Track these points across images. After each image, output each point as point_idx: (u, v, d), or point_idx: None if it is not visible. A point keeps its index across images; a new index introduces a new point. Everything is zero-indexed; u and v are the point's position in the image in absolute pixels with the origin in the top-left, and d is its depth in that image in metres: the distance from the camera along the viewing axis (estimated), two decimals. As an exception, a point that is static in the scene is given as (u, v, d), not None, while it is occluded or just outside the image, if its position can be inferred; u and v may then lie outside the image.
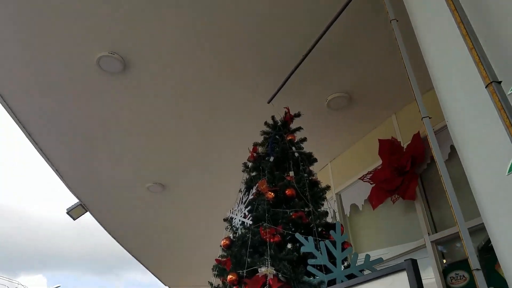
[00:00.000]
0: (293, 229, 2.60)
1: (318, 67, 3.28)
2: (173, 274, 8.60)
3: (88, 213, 5.68)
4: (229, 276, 2.39)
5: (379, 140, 3.78)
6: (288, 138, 3.14)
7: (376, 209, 3.70)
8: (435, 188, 3.39)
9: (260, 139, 3.31)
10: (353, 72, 3.38)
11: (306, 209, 2.66)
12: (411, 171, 3.41)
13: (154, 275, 8.69)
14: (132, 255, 7.40)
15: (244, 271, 2.38)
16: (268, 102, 3.35)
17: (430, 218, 3.34)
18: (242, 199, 2.85)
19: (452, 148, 3.31)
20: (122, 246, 6.92)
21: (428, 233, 3.25)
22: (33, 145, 4.13)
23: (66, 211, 5.61)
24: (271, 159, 2.94)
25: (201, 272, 8.08)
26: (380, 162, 3.75)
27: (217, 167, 4.61)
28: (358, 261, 2.37)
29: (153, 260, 7.64)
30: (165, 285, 9.50)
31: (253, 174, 3.00)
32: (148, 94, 3.50)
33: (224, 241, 2.66)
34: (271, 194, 2.63)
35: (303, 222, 2.56)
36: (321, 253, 2.36)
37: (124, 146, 4.20)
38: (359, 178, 3.91)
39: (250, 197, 2.72)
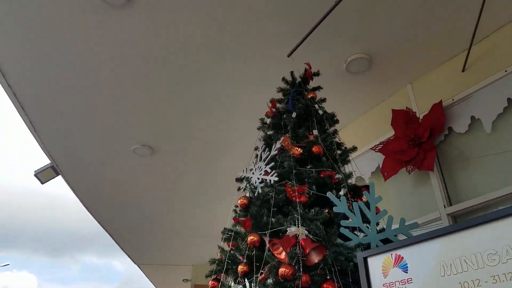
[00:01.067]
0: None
1: (343, 21, 3.02)
2: (152, 251, 8.25)
3: (58, 178, 5.24)
4: (250, 237, 2.13)
5: (393, 110, 3.60)
6: (309, 96, 2.89)
7: (386, 181, 3.54)
8: (452, 160, 3.25)
9: (272, 95, 3.05)
10: (378, 31, 3.15)
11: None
12: (429, 142, 3.26)
13: (129, 255, 8.30)
14: (107, 230, 6.98)
15: (268, 231, 2.13)
16: (289, 56, 3.06)
17: (445, 190, 3.20)
18: (261, 156, 2.58)
19: (473, 119, 3.18)
20: (95, 218, 6.49)
21: (444, 206, 3.11)
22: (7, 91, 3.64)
23: (34, 173, 5.12)
24: (294, 115, 2.67)
25: (187, 248, 7.78)
26: (392, 132, 3.57)
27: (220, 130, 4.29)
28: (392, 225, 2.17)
29: (132, 235, 7.25)
30: (137, 264, 9.13)
31: (271, 132, 2.73)
32: (138, 35, 3.10)
33: (242, 200, 2.39)
34: (297, 150, 2.38)
35: (332, 182, 2.32)
36: (354, 214, 2.15)
37: (108, 99, 3.78)
38: (371, 148, 3.72)
39: (274, 153, 2.45)
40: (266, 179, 2.35)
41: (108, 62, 3.33)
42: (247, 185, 2.56)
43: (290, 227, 2.04)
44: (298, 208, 2.12)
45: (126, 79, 3.53)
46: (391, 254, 1.27)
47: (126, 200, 5.93)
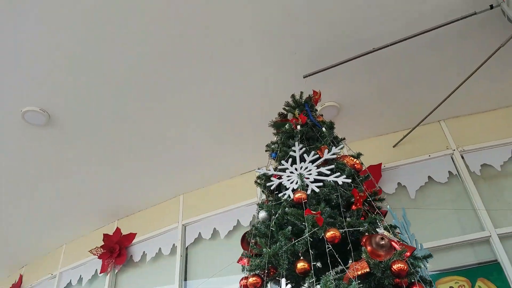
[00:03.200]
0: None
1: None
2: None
3: None
4: (331, 233, 2.00)
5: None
6: (319, 119, 3.03)
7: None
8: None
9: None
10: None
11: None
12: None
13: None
14: None
15: (346, 229, 2.06)
16: (305, 77, 3.17)
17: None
18: (303, 157, 2.50)
19: (399, 184, 3.92)
20: None
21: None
22: None
23: None
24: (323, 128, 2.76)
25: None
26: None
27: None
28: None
29: None
30: None
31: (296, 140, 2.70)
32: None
33: (300, 194, 2.22)
34: (357, 163, 2.46)
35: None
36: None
37: None
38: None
39: (328, 157, 2.43)
40: (327, 179, 2.28)
41: None
42: (281, 183, 2.42)
43: (380, 227, 2.05)
44: (372, 212, 2.15)
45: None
46: None
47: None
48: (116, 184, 4.60)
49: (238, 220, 4.39)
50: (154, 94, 3.61)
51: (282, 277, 2.01)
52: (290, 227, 2.13)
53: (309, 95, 3.18)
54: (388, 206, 2.58)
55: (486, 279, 3.19)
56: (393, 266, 1.83)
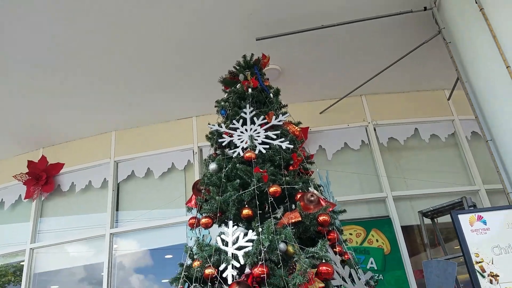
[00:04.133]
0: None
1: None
2: None
3: None
4: (273, 188, 2.41)
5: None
6: (266, 83, 3.35)
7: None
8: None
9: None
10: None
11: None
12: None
13: None
14: None
15: (285, 186, 2.49)
16: (258, 39, 3.42)
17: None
18: (253, 120, 2.83)
19: (320, 147, 4.50)
20: None
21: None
22: None
23: None
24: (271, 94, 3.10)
25: None
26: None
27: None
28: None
29: None
30: None
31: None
32: None
33: (250, 154, 2.57)
34: (297, 130, 2.86)
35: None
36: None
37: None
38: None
39: (275, 123, 2.79)
40: (273, 143, 2.66)
41: None
42: (232, 141, 2.75)
43: (310, 186, 2.52)
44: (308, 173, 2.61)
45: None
46: (475, 214, 2.12)
47: None
48: (39, 112, 4.46)
49: (172, 163, 4.65)
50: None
51: (230, 220, 2.38)
52: (238, 180, 2.50)
53: (258, 58, 3.45)
54: (317, 169, 3.07)
55: (378, 229, 3.98)
56: (319, 218, 2.32)
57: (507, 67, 2.80)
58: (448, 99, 4.66)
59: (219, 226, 2.51)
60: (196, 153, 4.66)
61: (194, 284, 2.15)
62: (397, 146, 4.56)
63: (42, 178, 4.68)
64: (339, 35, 3.80)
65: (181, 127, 4.81)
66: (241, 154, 2.62)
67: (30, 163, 4.78)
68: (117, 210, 4.57)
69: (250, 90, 3.07)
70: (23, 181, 4.71)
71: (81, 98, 4.30)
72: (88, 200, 4.72)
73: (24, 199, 4.78)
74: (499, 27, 2.82)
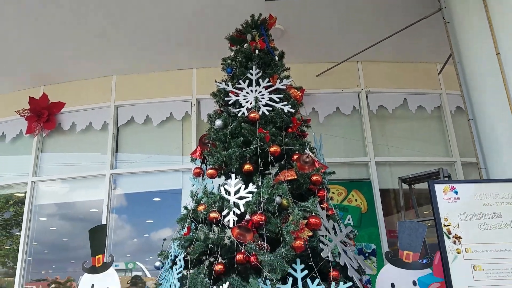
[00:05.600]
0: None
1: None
2: None
3: None
4: (273, 148, 2.67)
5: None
6: (272, 45, 3.51)
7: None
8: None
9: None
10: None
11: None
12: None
13: None
14: None
15: (284, 147, 2.75)
16: (267, 0, 3.53)
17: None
18: (259, 82, 3.02)
19: (313, 109, 4.74)
20: None
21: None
22: None
23: None
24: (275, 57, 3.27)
25: None
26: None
27: None
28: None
29: None
30: None
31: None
32: None
33: (255, 115, 2.78)
34: (298, 95, 3.08)
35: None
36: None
37: None
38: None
39: (280, 87, 3.00)
40: (276, 106, 2.88)
41: None
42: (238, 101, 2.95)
43: (306, 148, 2.79)
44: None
45: None
46: (449, 185, 2.44)
47: None
48: (44, 43, 4.46)
49: (171, 112, 4.84)
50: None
51: (232, 173, 2.65)
52: (242, 138, 2.74)
53: (265, 18, 3.57)
54: (313, 134, 3.33)
55: (358, 190, 4.35)
56: (312, 177, 2.62)
57: (497, 54, 3.03)
58: (439, 73, 4.90)
59: (219, 177, 2.78)
60: (194, 105, 4.85)
61: (200, 225, 2.45)
62: (385, 114, 4.83)
63: (43, 115, 4.83)
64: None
65: (181, 78, 4.95)
66: (246, 114, 2.84)
67: (32, 100, 4.90)
68: (116, 152, 4.80)
69: (257, 51, 3.23)
70: (25, 116, 4.85)
71: (87, 36, 4.36)
72: (88, 140, 4.92)
73: (26, 134, 4.94)
74: (496, 16, 3.02)
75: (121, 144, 4.87)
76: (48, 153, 4.98)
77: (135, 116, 4.90)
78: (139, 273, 4.80)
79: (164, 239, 3.06)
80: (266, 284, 2.19)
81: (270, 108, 2.89)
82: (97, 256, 2.83)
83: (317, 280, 2.29)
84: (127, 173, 4.72)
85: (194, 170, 2.89)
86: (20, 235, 4.70)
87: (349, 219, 4.37)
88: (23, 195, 4.83)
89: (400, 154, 4.61)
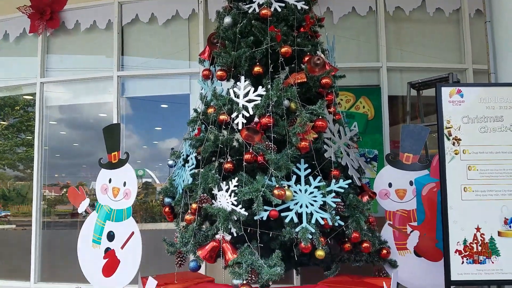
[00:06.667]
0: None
1: None
2: None
3: None
4: (285, 49, 2.61)
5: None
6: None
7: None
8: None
9: None
10: None
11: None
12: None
13: None
14: None
15: (296, 48, 2.69)
16: None
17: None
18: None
19: (328, 9, 4.50)
20: None
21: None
22: None
23: None
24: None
25: None
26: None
27: None
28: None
29: None
30: None
31: None
32: None
33: (266, 11, 2.65)
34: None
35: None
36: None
37: None
38: None
39: None
40: (289, 2, 2.73)
41: None
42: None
43: (318, 50, 2.73)
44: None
45: None
46: (455, 88, 2.44)
47: None
48: None
49: (177, 10, 4.64)
50: None
51: (242, 75, 2.63)
52: (252, 37, 2.67)
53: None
54: (326, 34, 3.21)
55: (367, 97, 4.34)
56: (322, 80, 2.61)
57: None
58: (461, -28, 4.53)
59: (228, 80, 2.76)
60: (201, 2, 4.62)
61: (210, 126, 2.52)
62: (402, 16, 4.59)
63: (46, 12, 4.66)
64: None
65: (186, -29, 4.64)
66: (257, 10, 2.71)
67: (32, -4, 4.70)
68: (122, 54, 4.73)
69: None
70: (27, 14, 4.70)
71: None
72: (94, 40, 4.81)
73: (29, 33, 4.83)
74: None
75: (126, 46, 4.77)
76: (54, 55, 4.91)
77: (139, 14, 4.71)
78: (149, 180, 5.06)
79: (172, 148, 3.19)
80: (271, 181, 2.33)
81: (283, 4, 2.76)
82: (112, 153, 2.96)
83: (319, 178, 2.43)
84: (135, 75, 4.70)
85: (203, 71, 2.87)
86: (30, 138, 4.83)
87: (354, 126, 4.42)
88: (31, 97, 4.88)
89: (412, 60, 4.50)
